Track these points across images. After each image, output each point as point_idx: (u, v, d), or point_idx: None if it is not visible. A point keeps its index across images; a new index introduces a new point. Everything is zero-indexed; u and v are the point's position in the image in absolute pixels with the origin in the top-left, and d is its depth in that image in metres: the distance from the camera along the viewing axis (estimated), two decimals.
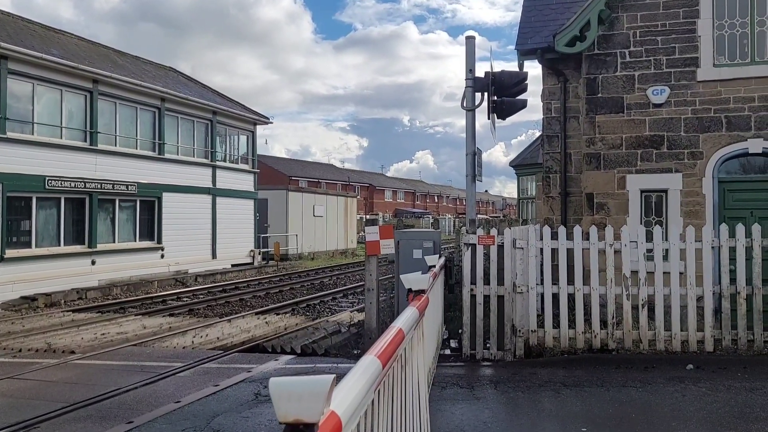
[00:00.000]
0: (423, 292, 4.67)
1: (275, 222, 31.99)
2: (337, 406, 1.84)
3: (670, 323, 8.25)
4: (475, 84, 9.48)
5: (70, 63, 18.13)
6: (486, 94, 9.47)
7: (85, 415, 6.51)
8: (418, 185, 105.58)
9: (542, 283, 8.64)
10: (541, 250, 8.63)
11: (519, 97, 9.78)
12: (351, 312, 13.92)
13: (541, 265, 9.11)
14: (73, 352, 9.63)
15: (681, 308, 8.27)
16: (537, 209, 14.93)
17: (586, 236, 8.77)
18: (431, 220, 74.67)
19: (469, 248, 8.76)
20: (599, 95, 12.20)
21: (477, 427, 5.83)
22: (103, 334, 11.20)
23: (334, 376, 1.71)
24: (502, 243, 8.67)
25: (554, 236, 8.77)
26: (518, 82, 9.36)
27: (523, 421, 6.11)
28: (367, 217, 59.32)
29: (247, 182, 27.57)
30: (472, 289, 8.70)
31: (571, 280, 8.50)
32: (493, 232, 8.81)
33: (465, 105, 9.52)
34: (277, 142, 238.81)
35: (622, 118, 12.14)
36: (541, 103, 13.65)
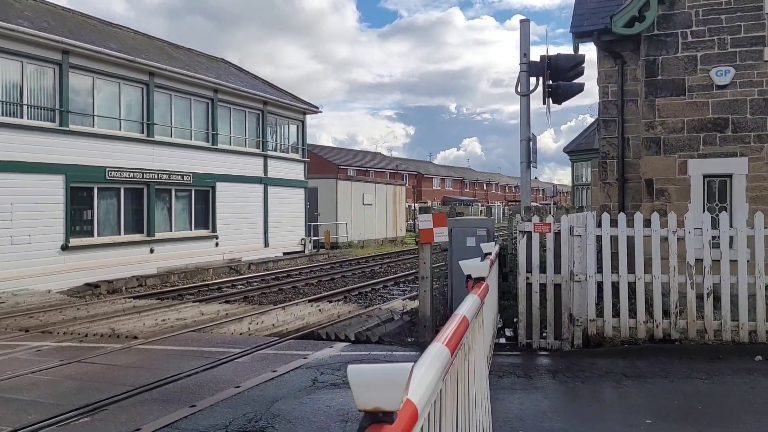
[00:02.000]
0: (483, 279, 4.61)
1: (325, 210, 32.26)
2: (412, 394, 1.82)
3: (737, 313, 7.95)
4: (529, 69, 9.29)
5: (127, 56, 18.61)
6: (541, 78, 9.25)
7: (149, 398, 6.70)
8: (467, 173, 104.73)
9: (600, 272, 8.44)
10: (600, 237, 8.43)
11: (575, 81, 9.52)
12: (403, 300, 13.93)
13: (599, 253, 8.90)
14: (135, 338, 9.93)
15: (749, 297, 7.95)
16: (593, 196, 14.60)
17: (646, 223, 8.52)
18: (480, 208, 74.02)
19: (525, 236, 8.62)
20: (659, 77, 11.79)
21: (536, 417, 5.75)
22: (164, 320, 11.51)
23: (412, 364, 1.69)
24: (559, 230, 8.50)
25: (613, 223, 8.54)
26: (575, 65, 9.13)
27: (584, 411, 5.99)
28: (416, 205, 59.22)
29: (297, 171, 27.86)
30: (527, 278, 8.57)
31: (631, 269, 8.27)
32: (549, 219, 8.64)
33: (519, 90, 9.34)
34: (324, 131, 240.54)
35: (683, 101, 11.72)
36: (597, 87, 13.29)
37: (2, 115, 15.62)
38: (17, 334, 10.40)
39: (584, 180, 16.62)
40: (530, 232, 8.61)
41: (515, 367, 7.67)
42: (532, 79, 9.39)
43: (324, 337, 9.95)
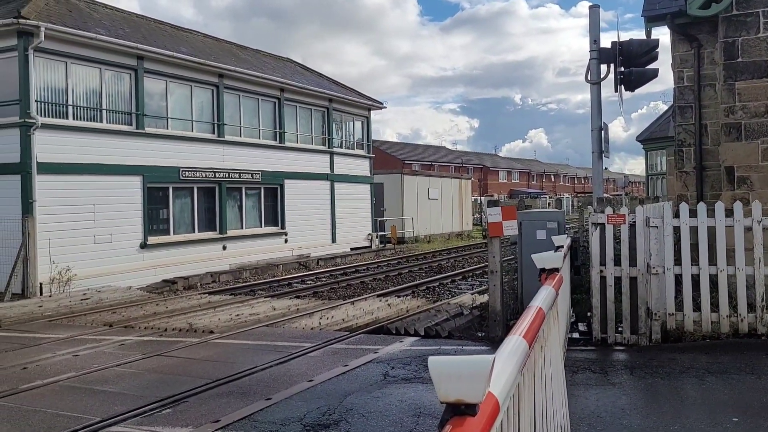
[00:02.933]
0: (557, 270, 4.52)
1: (391, 206, 32.37)
2: (493, 387, 1.80)
3: None
4: (600, 56, 9.01)
5: (198, 59, 19.21)
6: (612, 65, 8.97)
7: (227, 391, 6.91)
8: (533, 165, 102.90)
9: (679, 264, 8.12)
10: (677, 228, 8.10)
11: (649, 67, 9.18)
12: (472, 294, 13.83)
13: (677, 244, 8.57)
14: (212, 332, 10.26)
15: None
16: (668, 185, 14.06)
17: (728, 213, 8.13)
18: (549, 200, 72.61)
19: (598, 228, 8.39)
20: (739, 60, 11.21)
21: (615, 414, 5.59)
22: (237, 315, 11.84)
23: (494, 356, 1.67)
24: (634, 222, 8.23)
25: (692, 213, 8.20)
26: (648, 50, 8.79)
27: (665, 409, 5.78)
28: (482, 198, 58.62)
29: (363, 167, 28.07)
30: (601, 271, 8.34)
31: (711, 261, 7.92)
32: (623, 210, 8.38)
33: (590, 78, 9.09)
34: (388, 126, 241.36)
35: (765, 84, 11.10)
36: (672, 72, 12.79)
37: (84, 120, 16.43)
38: (102, 328, 10.93)
39: (659, 169, 16.01)
40: (603, 224, 8.37)
41: (590, 362, 7.49)
42: (603, 67, 9.10)
43: (393, 332, 9.99)
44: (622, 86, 9.18)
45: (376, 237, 28.64)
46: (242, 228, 21.42)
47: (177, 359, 8.54)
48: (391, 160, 64.06)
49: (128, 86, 17.53)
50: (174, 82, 18.96)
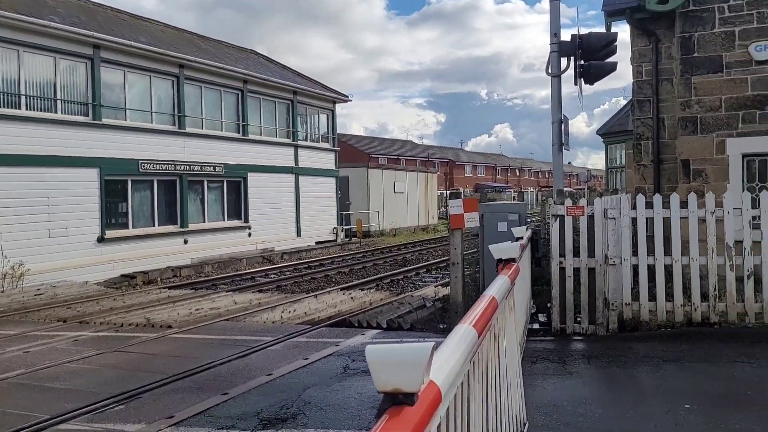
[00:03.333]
0: (513, 260, 4.51)
1: (356, 199, 32.28)
2: (435, 375, 1.76)
3: None
4: (560, 49, 9.07)
5: (157, 49, 18.80)
6: (572, 58, 9.03)
7: (183, 386, 6.77)
8: (499, 159, 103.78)
9: (636, 255, 8.23)
10: (635, 219, 8.21)
11: (608, 60, 9.27)
12: (435, 287, 13.85)
13: (634, 236, 8.69)
14: (170, 327, 10.06)
15: None
16: (627, 178, 14.28)
17: (683, 204, 8.27)
18: (513, 194, 73.37)
19: (557, 219, 8.46)
20: (695, 55, 11.43)
21: (572, 403, 5.63)
22: (197, 309, 11.64)
23: (433, 343, 1.62)
24: (592, 213, 8.31)
25: (648, 205, 8.31)
26: (607, 44, 8.88)
27: (622, 397, 5.85)
28: (448, 192, 58.90)
29: (328, 161, 27.90)
30: (560, 262, 8.41)
31: (667, 251, 8.05)
32: (582, 202, 8.46)
33: (550, 71, 9.14)
34: (355, 120, 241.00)
35: (721, 78, 11.34)
36: (631, 67, 12.94)
37: (38, 110, 15.94)
38: (55, 324, 10.63)
39: (618, 163, 16.27)
40: (563, 216, 8.44)
41: (549, 352, 7.55)
42: (563, 60, 9.16)
43: (356, 325, 9.94)
44: (582, 79, 9.25)
45: (342, 231, 28.54)
46: (204, 222, 21.10)
47: (133, 355, 8.34)
48: (357, 153, 63.87)
49: (84, 76, 17.06)
50: (133, 73, 18.53)
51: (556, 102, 9.10)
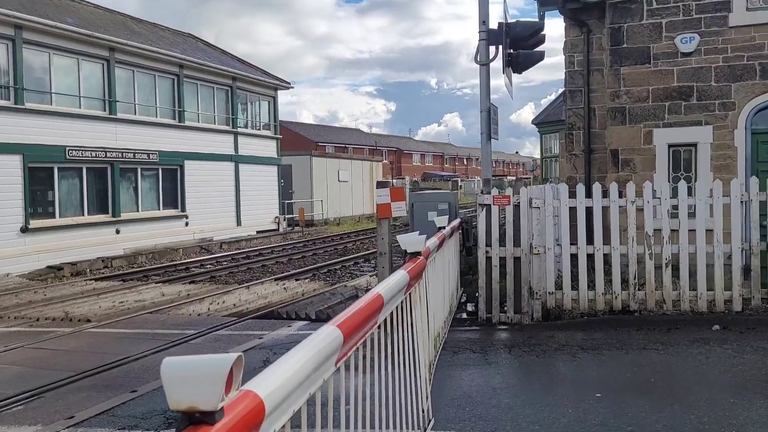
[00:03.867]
0: (419, 254, 4.40)
1: (300, 188, 31.89)
2: (259, 386, 1.60)
3: (696, 283, 7.86)
4: (488, 37, 9.02)
5: (85, 31, 17.99)
6: (500, 47, 8.99)
7: (89, 384, 6.46)
8: (447, 148, 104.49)
9: (560, 244, 8.29)
10: (559, 209, 8.25)
11: (536, 50, 9.27)
12: (370, 276, 13.76)
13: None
14: (89, 321, 9.65)
15: (707, 267, 7.86)
16: (560, 168, 14.46)
17: (605, 194, 8.36)
18: (461, 183, 74.03)
19: (484, 209, 8.44)
20: (624, 46, 11.59)
21: (485, 394, 5.60)
22: (122, 302, 11.22)
23: (239, 354, 1.46)
24: (518, 203, 8.32)
25: (573, 195, 8.38)
26: (534, 32, 8.87)
27: (534, 386, 5.85)
28: (395, 181, 58.91)
29: (269, 148, 27.41)
30: (487, 251, 8.40)
31: (590, 240, 8.13)
32: (508, 191, 8.46)
33: (479, 59, 9.08)
34: (305, 108, 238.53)
35: (648, 69, 11.54)
36: (564, 57, 13.07)
37: None
38: None
39: (554, 152, 16.49)
40: (489, 205, 8.42)
41: (472, 342, 7.53)
42: (492, 48, 9.11)
43: (284, 317, 9.75)
44: (510, 68, 9.23)
45: (284, 220, 28.14)
46: (138, 211, 20.42)
47: (43, 351, 7.95)
48: (304, 141, 63.22)
49: (5, 58, 16.18)
50: (59, 55, 17.69)
51: (485, 91, 9.06)
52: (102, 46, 18.84)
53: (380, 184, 8.26)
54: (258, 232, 25.88)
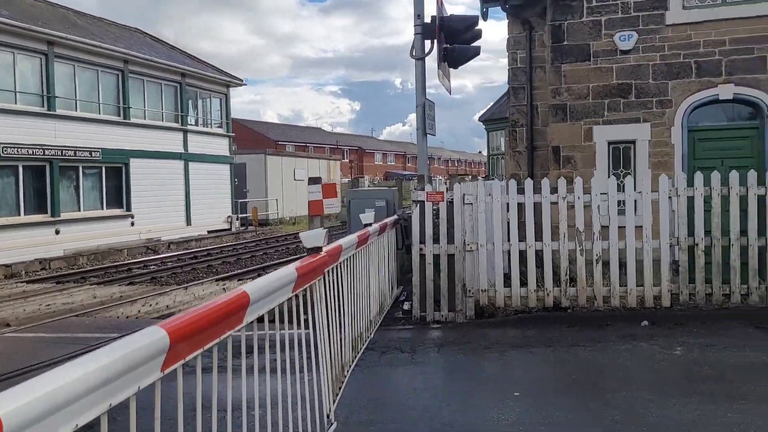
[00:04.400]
0: (319, 249, 4.20)
1: (255, 187, 31.41)
2: None
3: (626, 278, 7.84)
4: (424, 31, 8.87)
5: (21, 24, 17.30)
6: (436, 41, 8.86)
7: None
8: (409, 147, 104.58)
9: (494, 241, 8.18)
10: (491, 205, 8.15)
11: (473, 45, 9.16)
12: None
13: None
14: (8, 325, 9.19)
15: (637, 262, 7.84)
16: (505, 165, 14.46)
17: (536, 190, 8.28)
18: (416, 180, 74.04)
19: (418, 205, 8.29)
20: (564, 43, 11.57)
21: (404, 395, 5.42)
22: (48, 305, 10.75)
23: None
24: (452, 199, 8.19)
25: (508, 191, 8.28)
26: (469, 26, 8.75)
27: (456, 387, 5.71)
28: (356, 180, 58.62)
29: (221, 146, 26.89)
30: (421, 249, 8.25)
31: (523, 237, 8.05)
32: (442, 187, 8.32)
33: (414, 54, 8.92)
34: (269, 107, 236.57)
35: (588, 67, 11.54)
36: (507, 54, 13.03)
37: None
38: None
39: (500, 149, 16.51)
40: (423, 202, 8.27)
41: (403, 341, 7.36)
42: (428, 42, 8.97)
43: None
44: (446, 63, 9.10)
45: (237, 219, 27.66)
46: (80, 210, 19.75)
47: None
48: (264, 140, 62.50)
49: None
50: None
51: (420, 86, 8.91)
52: (40, 40, 18.15)
53: (312, 180, 8.05)
54: (209, 231, 25.36)
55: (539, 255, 8.05)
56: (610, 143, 11.50)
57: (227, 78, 27.21)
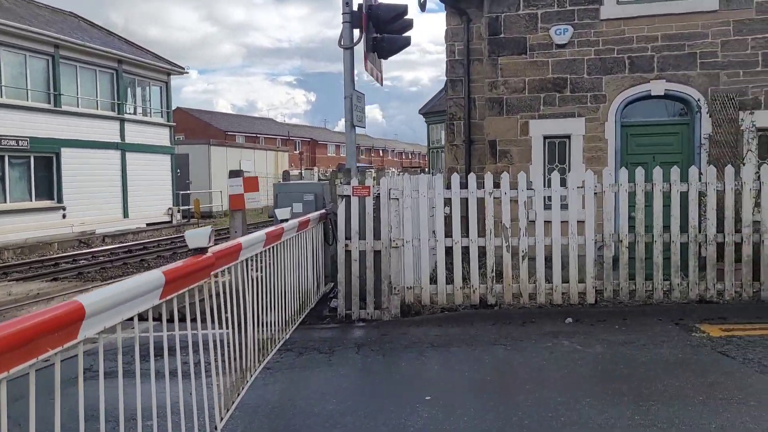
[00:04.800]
0: (203, 250, 3.89)
1: (198, 178, 30.64)
2: None
3: (552, 275, 7.76)
4: (352, 19, 8.58)
5: None
6: (364, 30, 8.58)
7: None
8: (363, 139, 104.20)
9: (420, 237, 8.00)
10: (417, 200, 7.95)
11: (403, 35, 8.92)
12: None
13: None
14: None
15: (563, 259, 7.77)
16: (444, 159, 14.33)
17: (463, 185, 8.12)
18: (374, 174, 73.81)
19: (344, 200, 8.02)
20: (501, 36, 11.47)
21: (310, 400, 5.17)
22: None
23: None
24: (379, 194, 7.95)
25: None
26: (396, 15, 8.50)
27: (366, 390, 5.49)
28: (307, 171, 57.99)
29: (161, 136, 26.08)
30: (347, 245, 8.00)
31: (450, 233, 7.88)
32: (369, 182, 8.08)
33: (342, 43, 8.63)
34: (221, 97, 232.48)
35: (525, 60, 11.48)
36: (445, 45, 12.86)
37: None
38: None
39: (440, 142, 16.40)
40: (349, 196, 8.02)
41: (323, 341, 7.10)
42: (356, 32, 8.68)
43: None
44: (375, 53, 8.84)
45: (179, 211, 26.92)
46: (5, 202, 18.84)
47: None
48: (213, 131, 61.17)
49: None
50: None
51: (349, 76, 8.63)
52: None
53: (233, 174, 7.70)
54: (148, 224, 24.60)
55: (466, 251, 7.90)
56: (546, 137, 11.48)
57: (168, 66, 26.37)
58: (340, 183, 8.23)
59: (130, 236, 22.18)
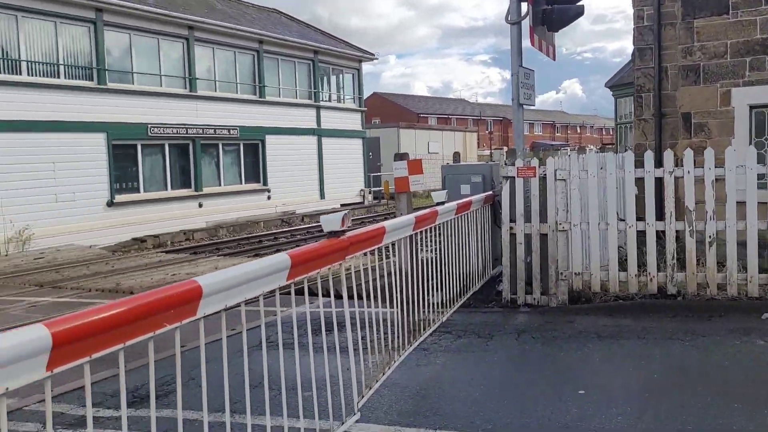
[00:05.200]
0: (337, 233, 4.02)
1: (388, 161, 31.71)
2: None
3: (746, 264, 6.84)
4: None
5: (163, 11, 18.64)
6: (530, 2, 8.19)
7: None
8: (558, 116, 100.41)
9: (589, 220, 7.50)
10: (586, 180, 7.45)
11: (577, 4, 8.37)
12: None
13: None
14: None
15: (761, 246, 6.80)
16: (633, 134, 13.25)
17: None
18: (570, 152, 70.76)
19: (508, 181, 7.79)
20: None
21: (456, 385, 5.13)
22: (174, 274, 11.58)
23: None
24: (545, 174, 7.60)
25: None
26: None
27: (518, 380, 5.31)
28: (497, 151, 57.33)
29: (353, 121, 27.40)
30: (511, 227, 7.77)
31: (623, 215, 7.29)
32: (534, 162, 7.75)
33: (509, 18, 8.32)
34: (417, 80, 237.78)
35: (726, 21, 10.15)
36: (632, 11, 11.82)
37: (40, 75, 16.10)
38: (30, 289, 10.79)
39: (629, 117, 15.14)
40: (513, 178, 7.77)
41: (484, 325, 7.00)
42: (524, 5, 8.32)
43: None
44: (545, 27, 8.40)
45: (370, 192, 28.17)
46: (220, 185, 21.14)
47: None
48: (405, 113, 62.97)
49: (87, 40, 17.10)
50: (139, 35, 18.47)
51: (516, 52, 8.30)
52: (181, 25, 19.46)
53: (398, 157, 7.82)
54: (342, 205, 26.08)
55: (641, 236, 7.25)
56: (752, 107, 10.10)
57: (359, 53, 27.55)
58: (505, 164, 7.99)
59: None
